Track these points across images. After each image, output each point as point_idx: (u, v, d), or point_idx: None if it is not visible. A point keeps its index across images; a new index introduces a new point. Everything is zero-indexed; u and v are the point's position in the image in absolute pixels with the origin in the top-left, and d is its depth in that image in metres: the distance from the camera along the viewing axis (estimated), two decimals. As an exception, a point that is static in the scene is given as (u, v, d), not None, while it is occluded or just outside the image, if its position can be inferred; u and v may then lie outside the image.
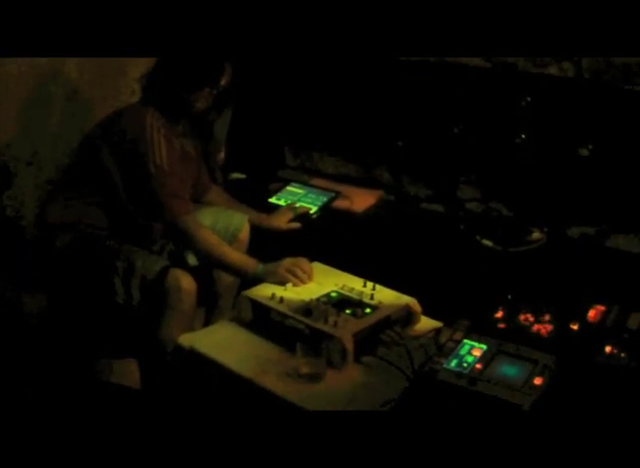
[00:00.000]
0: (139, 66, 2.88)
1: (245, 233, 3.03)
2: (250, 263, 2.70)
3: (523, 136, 3.19)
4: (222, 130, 3.81)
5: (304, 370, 2.23)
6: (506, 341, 2.17)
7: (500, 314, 2.33)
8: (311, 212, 3.38)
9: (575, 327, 2.24)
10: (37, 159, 3.24)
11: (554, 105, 3.18)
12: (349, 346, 2.27)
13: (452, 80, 3.44)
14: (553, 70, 3.25)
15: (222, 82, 2.78)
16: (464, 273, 2.95)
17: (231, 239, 2.95)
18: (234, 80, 2.84)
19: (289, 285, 2.58)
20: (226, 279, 2.97)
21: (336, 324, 2.32)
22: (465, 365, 2.08)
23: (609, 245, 3.19)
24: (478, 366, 2.07)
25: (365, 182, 3.79)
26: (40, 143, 3.24)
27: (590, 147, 3.10)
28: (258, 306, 2.50)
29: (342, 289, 2.58)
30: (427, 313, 2.55)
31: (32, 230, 3.11)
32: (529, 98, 3.18)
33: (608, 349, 2.10)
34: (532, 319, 2.30)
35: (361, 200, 3.55)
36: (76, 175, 2.86)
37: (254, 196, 3.44)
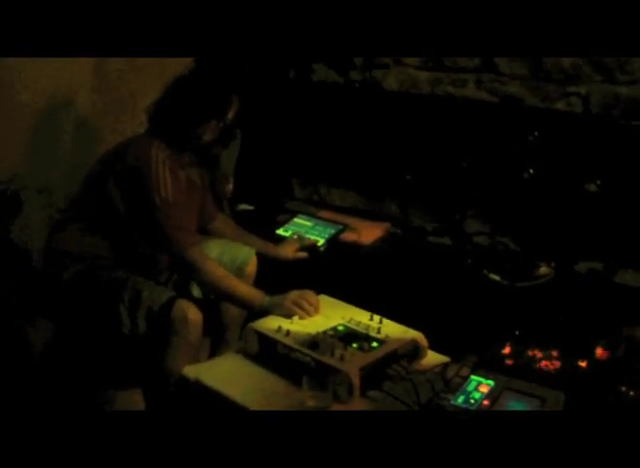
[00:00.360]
0: (148, 96, 2.89)
1: (252, 266, 3.02)
2: (256, 296, 2.69)
3: (531, 170, 3.19)
4: (230, 161, 3.82)
5: (310, 403, 2.21)
6: (514, 378, 2.16)
7: (507, 350, 2.32)
8: (318, 244, 3.38)
9: (583, 364, 2.22)
10: (47, 188, 3.25)
11: (562, 140, 3.19)
12: (356, 380, 2.25)
13: (459, 114, 3.46)
14: (561, 105, 3.27)
15: (230, 115, 2.80)
16: (471, 307, 2.94)
17: (238, 271, 2.94)
18: (242, 112, 2.86)
19: (295, 317, 2.57)
20: (233, 311, 2.96)
21: (342, 358, 2.31)
22: (472, 401, 2.07)
23: (617, 280, 3.17)
24: (485, 402, 2.06)
25: (372, 215, 3.80)
26: (50, 172, 3.26)
27: (598, 183, 3.10)
28: (264, 339, 2.49)
29: (349, 322, 2.57)
30: (434, 348, 2.54)
31: (39, 258, 3.11)
32: (536, 133, 3.19)
33: (619, 388, 2.09)
34: (539, 355, 2.28)
35: (368, 233, 3.54)
36: (83, 205, 2.87)
37: (261, 228, 3.43)
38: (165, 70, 3.42)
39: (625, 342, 2.37)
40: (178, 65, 3.45)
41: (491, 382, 2.15)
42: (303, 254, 3.25)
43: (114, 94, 3.46)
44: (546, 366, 2.24)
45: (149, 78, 3.49)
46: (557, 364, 2.25)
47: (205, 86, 2.78)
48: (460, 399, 2.08)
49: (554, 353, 2.29)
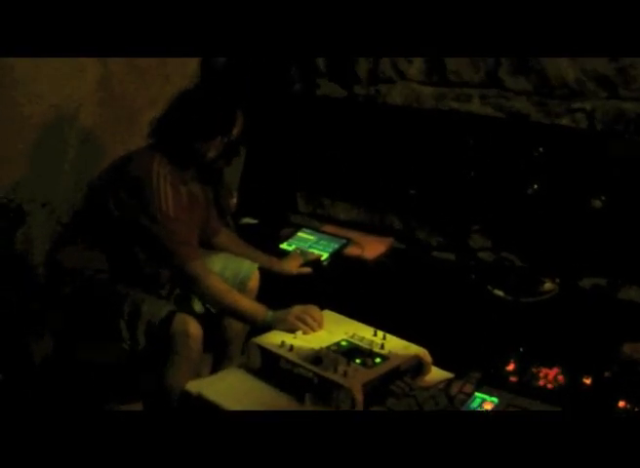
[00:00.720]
0: (153, 110, 2.89)
1: (254, 280, 3.02)
2: (259, 310, 2.68)
3: (535, 186, 3.19)
4: (234, 175, 3.83)
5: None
6: (518, 395, 2.15)
7: (511, 366, 2.31)
8: (322, 258, 3.38)
9: (587, 381, 2.21)
10: (50, 201, 3.25)
11: (567, 156, 3.18)
12: (359, 396, 2.23)
13: (464, 129, 3.46)
14: (566, 121, 3.27)
15: (234, 131, 2.79)
16: (476, 323, 2.93)
17: (240, 286, 2.93)
18: (246, 126, 2.85)
19: (299, 332, 2.56)
20: (235, 325, 2.95)
21: (345, 373, 2.30)
22: (477, 418, 2.06)
23: (621, 297, 3.16)
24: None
25: (376, 229, 3.79)
26: (54, 186, 3.26)
27: (603, 198, 3.10)
28: (266, 353, 2.47)
29: (353, 337, 2.56)
30: (438, 364, 2.52)
31: (41, 271, 3.11)
32: (541, 149, 3.18)
33: (622, 404, 2.07)
34: (544, 372, 2.27)
35: (372, 247, 3.53)
36: (85, 219, 2.86)
37: (265, 241, 3.43)
38: (169, 85, 3.45)
39: (624, 360, 2.36)
40: (182, 80, 3.48)
41: (495, 399, 2.13)
42: (307, 270, 3.24)
43: (119, 108, 3.46)
44: (551, 383, 2.22)
45: (154, 93, 3.50)
46: (561, 380, 2.24)
47: (210, 102, 2.77)
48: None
49: (559, 370, 2.27)
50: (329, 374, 2.30)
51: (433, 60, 3.62)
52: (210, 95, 2.82)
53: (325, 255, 3.39)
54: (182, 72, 3.69)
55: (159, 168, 2.70)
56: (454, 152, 3.49)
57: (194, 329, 2.61)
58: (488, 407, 2.10)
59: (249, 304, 2.74)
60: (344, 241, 3.51)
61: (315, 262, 3.31)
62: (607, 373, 2.26)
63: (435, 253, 3.66)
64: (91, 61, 3.30)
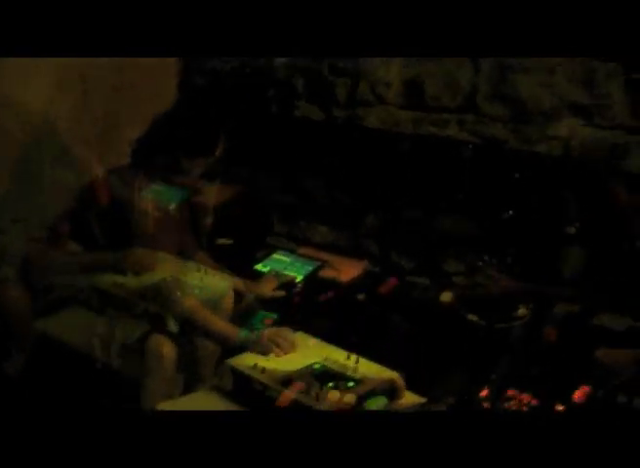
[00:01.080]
0: (134, 128, 2.89)
1: (229, 300, 3.00)
2: (232, 331, 2.68)
3: (510, 211, 3.21)
4: (210, 195, 3.81)
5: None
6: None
7: (485, 392, 2.31)
8: (297, 280, 3.36)
9: (561, 408, 2.21)
10: (24, 217, 3.23)
11: (543, 182, 3.20)
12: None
13: (441, 154, 3.48)
14: (542, 148, 3.29)
15: (217, 152, 2.81)
16: (449, 348, 2.93)
17: (215, 306, 2.92)
18: (227, 146, 2.86)
19: (272, 355, 2.55)
20: (208, 346, 2.93)
21: (317, 397, 2.29)
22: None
23: (595, 322, 3.17)
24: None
25: (351, 252, 3.79)
26: (28, 202, 3.23)
27: (577, 225, 3.11)
28: (239, 375, 2.47)
29: (326, 361, 2.55)
30: (411, 388, 2.52)
31: (15, 287, 3.08)
32: (517, 175, 3.21)
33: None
34: (517, 398, 2.27)
35: (347, 270, 3.53)
36: (60, 235, 2.85)
37: (240, 262, 3.42)
38: (150, 104, 3.45)
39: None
40: (161, 98, 3.48)
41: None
42: (281, 293, 3.24)
43: (99, 125, 3.45)
44: (524, 409, 2.22)
45: (135, 110, 3.49)
46: (535, 405, 2.24)
47: (194, 122, 2.79)
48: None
49: (531, 396, 2.27)
50: (301, 398, 2.29)
51: (412, 84, 3.63)
52: (193, 114, 2.83)
53: (299, 278, 3.38)
54: (161, 91, 3.70)
55: (140, 185, 2.71)
56: (431, 176, 3.50)
57: (168, 349, 2.60)
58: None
59: (222, 325, 2.73)
60: (319, 263, 3.50)
61: (289, 284, 3.29)
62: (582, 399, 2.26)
63: (409, 278, 3.66)
64: (71, 78, 3.29)
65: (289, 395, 2.30)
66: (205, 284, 2.98)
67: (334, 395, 2.27)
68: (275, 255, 3.56)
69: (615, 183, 2.96)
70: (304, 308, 3.17)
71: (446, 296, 3.16)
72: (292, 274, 3.39)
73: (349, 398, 2.24)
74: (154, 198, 3.37)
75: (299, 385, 2.33)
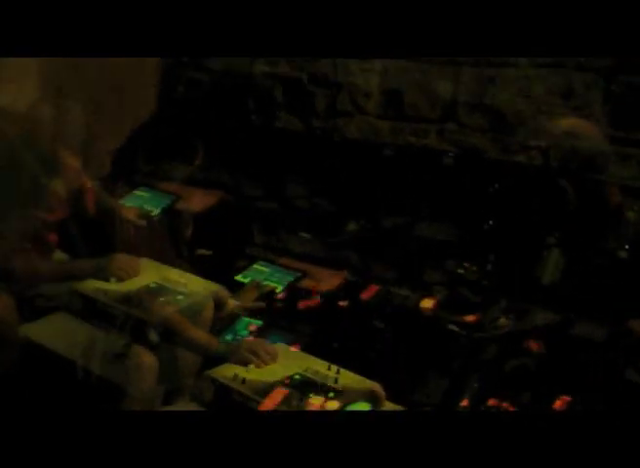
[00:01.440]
0: (113, 139, 2.89)
1: (209, 311, 2.99)
2: (212, 342, 2.68)
3: (491, 222, 3.22)
4: (78, 135, 3.78)
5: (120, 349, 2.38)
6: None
7: (465, 402, 2.32)
8: (277, 291, 3.39)
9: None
10: (3, 227, 3.21)
11: (522, 191, 3.22)
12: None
13: (419, 163, 3.50)
14: (521, 158, 3.32)
15: (196, 162, 2.82)
16: (430, 358, 2.94)
17: (198, 313, 2.91)
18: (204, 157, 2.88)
19: (251, 366, 2.55)
20: (188, 358, 2.93)
21: (298, 407, 2.29)
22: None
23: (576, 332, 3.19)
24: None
25: (331, 263, 3.80)
26: (7, 211, 3.22)
27: (557, 235, 3.13)
28: (219, 386, 2.46)
29: (306, 371, 2.55)
30: (392, 399, 2.52)
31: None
32: (497, 185, 3.23)
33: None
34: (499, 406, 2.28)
35: (326, 280, 3.56)
36: (51, 244, 2.87)
37: (220, 273, 3.42)
38: (127, 116, 3.44)
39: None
40: (141, 110, 3.47)
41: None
42: (261, 304, 3.25)
43: (74, 138, 3.44)
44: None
45: (113, 121, 3.49)
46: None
47: (173, 133, 2.81)
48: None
49: (512, 405, 2.28)
50: (134, 311, 2.45)
51: (391, 95, 3.65)
52: (172, 126, 2.85)
53: (280, 288, 3.39)
54: (140, 102, 3.69)
55: (121, 194, 2.73)
56: (410, 186, 3.52)
57: (148, 361, 2.59)
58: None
59: (202, 335, 2.73)
60: (299, 274, 3.53)
61: (270, 294, 3.30)
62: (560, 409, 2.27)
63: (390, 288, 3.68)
64: (47, 92, 3.29)
65: (268, 405, 2.30)
66: (188, 290, 2.97)
67: (316, 401, 2.28)
68: (255, 266, 3.59)
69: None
70: (287, 315, 3.17)
71: (427, 303, 3.17)
72: (272, 284, 3.42)
73: (332, 404, 2.25)
74: (137, 204, 3.42)
75: (279, 394, 2.33)
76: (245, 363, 2.56)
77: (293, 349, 2.74)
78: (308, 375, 2.52)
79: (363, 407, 2.26)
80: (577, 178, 3.16)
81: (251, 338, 2.68)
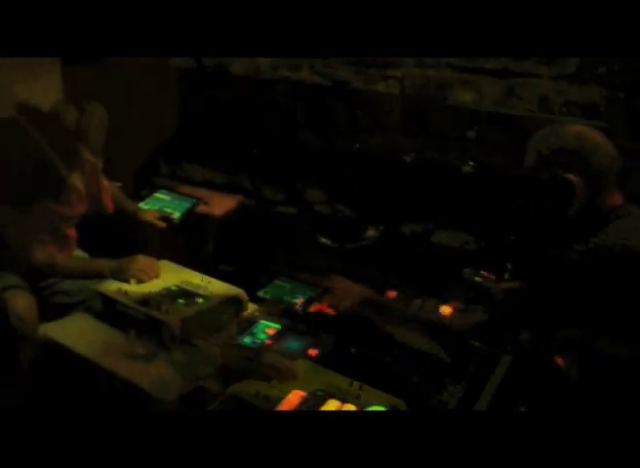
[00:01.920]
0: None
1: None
2: (103, 263, 3.04)
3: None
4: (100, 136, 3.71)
5: (138, 350, 2.62)
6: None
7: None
8: (175, 216, 3.70)
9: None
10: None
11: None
12: (178, 331, 2.64)
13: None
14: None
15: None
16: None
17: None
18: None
19: (133, 280, 2.93)
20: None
21: (167, 311, 2.69)
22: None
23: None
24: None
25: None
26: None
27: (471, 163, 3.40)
28: (106, 299, 2.86)
29: (182, 283, 2.94)
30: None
31: (22, 294, 3.07)
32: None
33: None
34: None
35: (221, 204, 3.93)
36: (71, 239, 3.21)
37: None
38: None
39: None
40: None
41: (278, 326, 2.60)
42: (161, 224, 3.57)
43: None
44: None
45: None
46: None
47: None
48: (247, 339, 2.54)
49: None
50: (153, 313, 2.70)
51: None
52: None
53: (177, 214, 3.70)
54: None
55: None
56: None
57: (24, 303, 2.92)
58: (270, 332, 2.57)
59: (94, 263, 3.11)
60: (195, 200, 3.83)
61: (167, 219, 3.64)
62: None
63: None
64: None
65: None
66: (209, 293, 2.91)
67: (334, 404, 2.27)
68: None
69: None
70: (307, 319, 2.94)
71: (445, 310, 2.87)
72: (170, 211, 3.73)
73: (349, 407, 2.25)
74: (158, 207, 3.70)
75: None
76: (132, 277, 2.94)
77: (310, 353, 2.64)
78: (183, 286, 2.92)
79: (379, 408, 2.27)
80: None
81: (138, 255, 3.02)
